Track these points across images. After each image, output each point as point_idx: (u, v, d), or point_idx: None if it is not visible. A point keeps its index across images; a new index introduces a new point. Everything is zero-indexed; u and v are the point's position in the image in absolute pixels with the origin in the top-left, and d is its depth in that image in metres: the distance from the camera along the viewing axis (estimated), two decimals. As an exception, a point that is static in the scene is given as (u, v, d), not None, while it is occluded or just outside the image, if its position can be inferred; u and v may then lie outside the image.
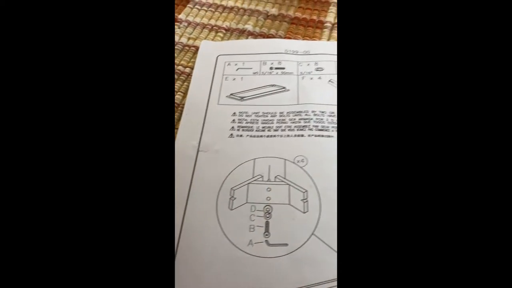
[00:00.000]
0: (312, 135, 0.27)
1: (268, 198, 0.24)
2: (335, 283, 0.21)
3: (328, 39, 0.36)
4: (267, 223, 0.23)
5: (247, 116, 0.29)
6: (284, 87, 0.31)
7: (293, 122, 0.28)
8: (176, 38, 0.37)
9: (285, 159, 0.26)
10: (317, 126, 0.28)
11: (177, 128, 0.29)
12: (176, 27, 0.37)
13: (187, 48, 0.36)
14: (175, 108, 0.30)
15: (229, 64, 0.33)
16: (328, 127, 0.28)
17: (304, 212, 0.24)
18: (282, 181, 0.25)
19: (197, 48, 0.35)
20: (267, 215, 0.24)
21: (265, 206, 0.24)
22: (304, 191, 0.25)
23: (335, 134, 0.27)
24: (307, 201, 0.24)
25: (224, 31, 0.37)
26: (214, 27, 0.38)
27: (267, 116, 0.29)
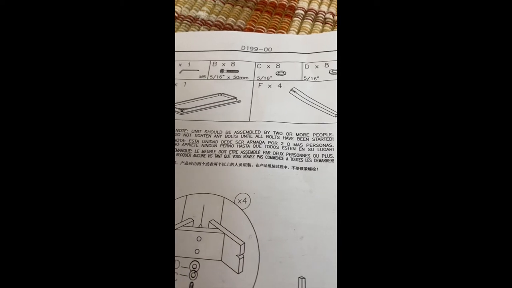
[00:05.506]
0: (261, 164, 0.22)
1: (197, 251, 0.20)
2: None
3: (298, 32, 0.30)
4: (191, 285, 0.19)
5: (185, 135, 0.24)
6: (235, 97, 0.26)
7: (240, 146, 0.23)
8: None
9: (224, 197, 0.21)
10: (268, 153, 0.23)
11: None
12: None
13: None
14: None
15: (172, 64, 0.27)
16: (282, 153, 0.23)
17: (238, 273, 0.19)
18: (217, 228, 0.20)
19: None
20: (193, 274, 0.19)
21: (192, 261, 0.20)
22: (241, 243, 0.20)
23: (289, 163, 0.22)
24: (243, 257, 0.19)
25: (173, 18, 0.31)
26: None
27: (210, 136, 0.24)
